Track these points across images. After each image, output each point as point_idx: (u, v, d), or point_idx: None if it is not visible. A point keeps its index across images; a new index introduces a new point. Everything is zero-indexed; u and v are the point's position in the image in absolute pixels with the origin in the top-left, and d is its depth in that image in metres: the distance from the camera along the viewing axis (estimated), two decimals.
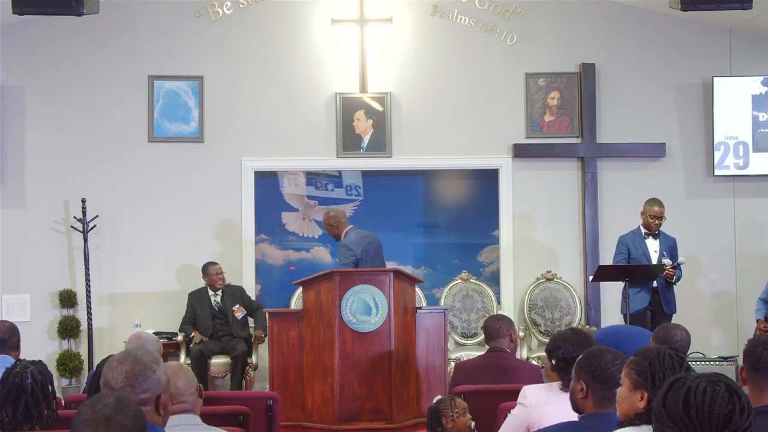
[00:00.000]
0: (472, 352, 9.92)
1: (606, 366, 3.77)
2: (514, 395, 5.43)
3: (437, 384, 8.30)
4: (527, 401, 4.47)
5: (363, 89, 10.46)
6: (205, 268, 9.99)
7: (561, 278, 10.53)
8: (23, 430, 4.33)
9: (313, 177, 10.62)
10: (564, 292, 10.50)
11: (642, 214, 9.47)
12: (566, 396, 4.27)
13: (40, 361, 4.80)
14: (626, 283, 9.04)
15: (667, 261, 9.24)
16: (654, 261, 9.30)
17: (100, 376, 4.42)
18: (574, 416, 3.91)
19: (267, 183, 10.55)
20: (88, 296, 10.00)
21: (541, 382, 6.42)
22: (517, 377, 6.14)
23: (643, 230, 9.48)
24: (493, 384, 6.12)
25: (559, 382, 4.54)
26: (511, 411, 4.66)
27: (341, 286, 8.02)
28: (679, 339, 5.45)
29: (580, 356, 3.90)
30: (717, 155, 10.53)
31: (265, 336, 9.47)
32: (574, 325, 10.30)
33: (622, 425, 3.34)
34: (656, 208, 9.40)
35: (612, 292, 10.33)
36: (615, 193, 10.61)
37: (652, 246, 9.43)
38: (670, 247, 9.44)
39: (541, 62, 10.66)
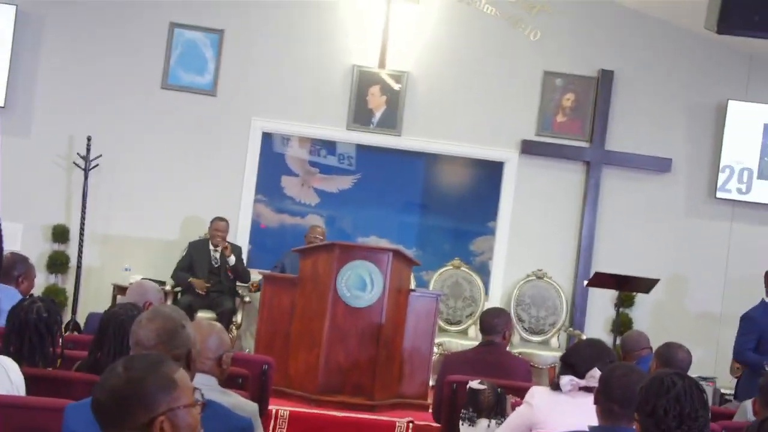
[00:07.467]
0: (454, 339, 9.99)
1: (611, 378, 3.81)
2: (508, 390, 5.50)
3: (420, 368, 8.33)
4: (534, 401, 4.50)
5: (381, 65, 10.40)
6: (212, 222, 9.97)
7: (551, 278, 10.58)
8: (28, 365, 4.35)
9: (310, 141, 10.59)
10: (552, 292, 10.55)
11: None
12: (573, 401, 4.33)
13: (49, 299, 4.80)
14: (619, 295, 9.12)
15: None
16: None
17: (108, 323, 4.43)
18: (579, 422, 3.95)
19: (271, 143, 10.53)
20: (82, 234, 9.97)
21: (529, 377, 6.52)
22: (506, 374, 6.20)
23: None
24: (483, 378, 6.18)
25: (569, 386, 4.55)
26: (517, 408, 4.70)
27: (340, 259, 8.03)
28: (681, 359, 5.51)
29: None
30: (721, 177, 10.58)
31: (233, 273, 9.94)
32: (558, 326, 10.42)
33: None
34: None
35: (599, 298, 10.42)
36: (616, 201, 10.64)
37: None
38: None
39: (561, 62, 10.67)
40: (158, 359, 2.55)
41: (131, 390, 2.44)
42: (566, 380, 4.40)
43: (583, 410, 4.04)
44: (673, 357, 5.48)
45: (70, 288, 10.11)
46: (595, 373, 4.27)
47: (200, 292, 9.76)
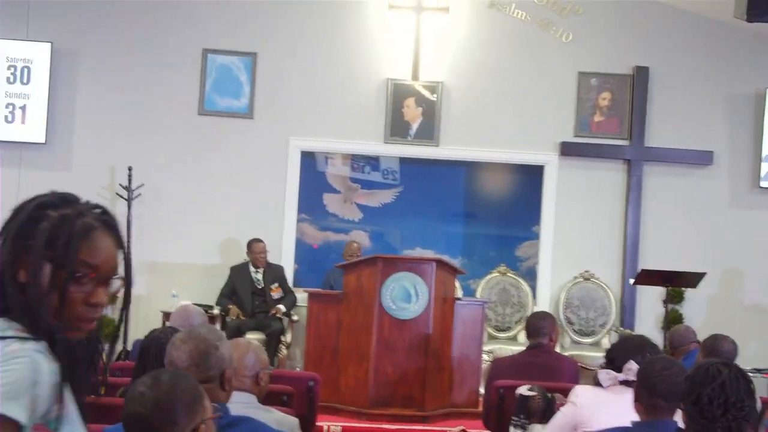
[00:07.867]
0: (504, 345, 9.95)
1: (651, 373, 3.78)
2: (557, 391, 5.46)
3: (470, 376, 8.33)
4: (578, 400, 4.47)
5: (415, 77, 10.43)
6: (250, 245, 10.03)
7: (599, 279, 10.52)
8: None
9: (351, 157, 10.63)
10: (600, 293, 10.49)
11: None
12: (617, 398, 4.29)
13: None
14: (667, 291, 9.02)
15: None
16: None
17: (149, 347, 4.46)
18: (623, 418, 3.92)
19: (312, 163, 10.57)
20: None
21: (578, 378, 6.48)
22: (555, 375, 6.16)
23: None
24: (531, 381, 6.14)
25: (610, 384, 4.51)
26: (561, 408, 4.67)
27: (383, 272, 8.04)
28: (726, 350, 5.46)
29: None
30: (764, 167, 10.47)
31: (286, 316, 9.88)
32: (608, 327, 10.35)
33: None
34: None
35: (648, 296, 10.32)
36: (659, 197, 10.57)
37: None
38: None
39: (595, 62, 10.63)
40: (180, 372, 2.57)
41: (173, 400, 2.46)
42: (604, 374, 4.38)
43: (625, 405, 4.00)
44: (719, 348, 5.44)
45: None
46: (632, 365, 4.24)
47: (230, 318, 9.80)
